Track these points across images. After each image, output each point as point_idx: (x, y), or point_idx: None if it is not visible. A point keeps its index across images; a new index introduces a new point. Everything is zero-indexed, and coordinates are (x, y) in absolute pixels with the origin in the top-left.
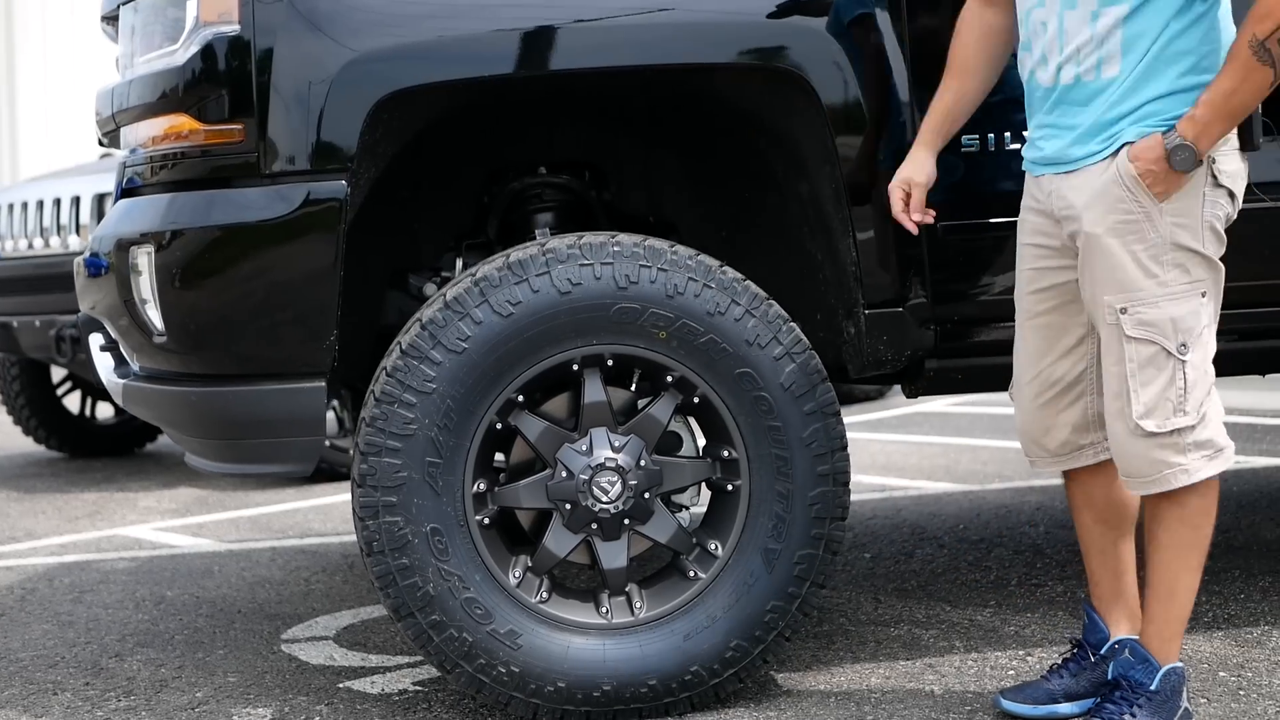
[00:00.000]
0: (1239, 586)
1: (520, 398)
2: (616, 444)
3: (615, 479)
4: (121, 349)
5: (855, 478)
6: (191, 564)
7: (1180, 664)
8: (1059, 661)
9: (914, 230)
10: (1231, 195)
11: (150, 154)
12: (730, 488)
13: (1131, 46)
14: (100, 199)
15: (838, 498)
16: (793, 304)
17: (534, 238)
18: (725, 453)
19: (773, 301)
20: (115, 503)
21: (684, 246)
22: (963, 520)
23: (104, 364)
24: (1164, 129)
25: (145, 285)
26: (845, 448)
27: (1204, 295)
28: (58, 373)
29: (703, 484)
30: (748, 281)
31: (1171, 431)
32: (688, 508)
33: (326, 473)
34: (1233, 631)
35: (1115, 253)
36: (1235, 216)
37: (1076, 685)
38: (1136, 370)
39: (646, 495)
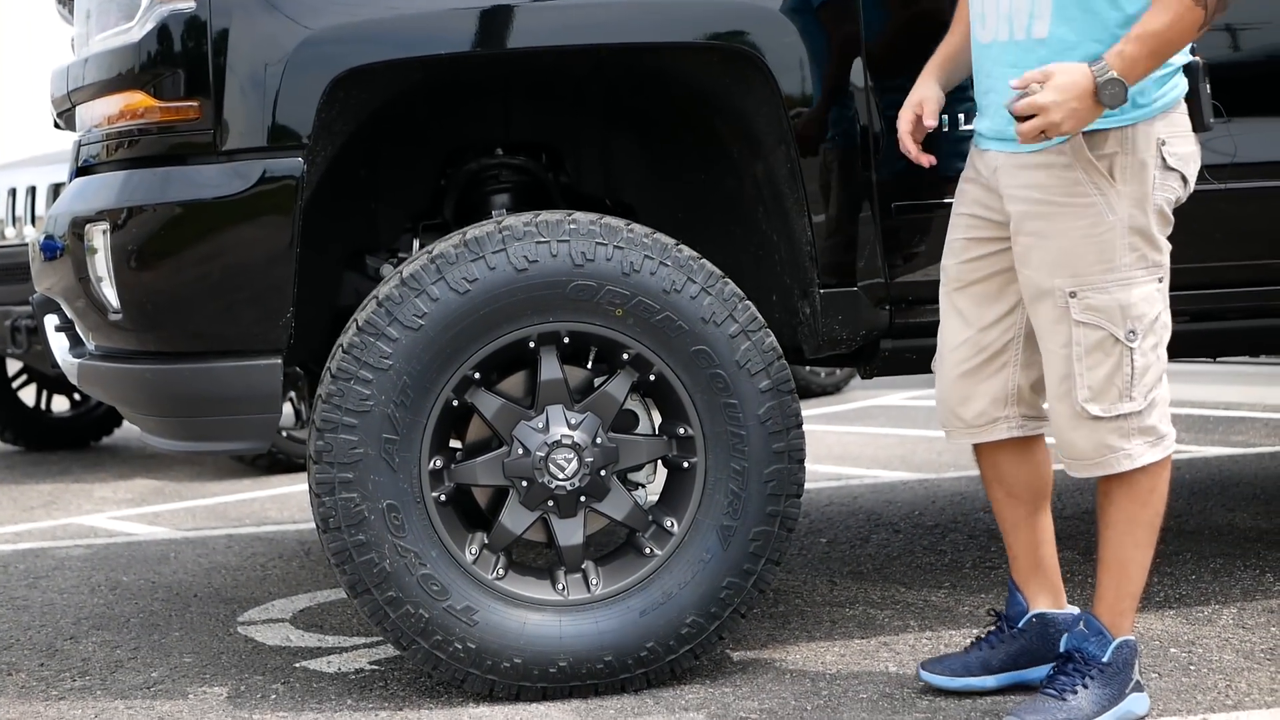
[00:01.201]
0: (1190, 568)
1: (477, 375)
2: (573, 421)
3: (571, 456)
4: (77, 328)
5: (812, 467)
6: (147, 551)
7: (1133, 637)
8: (980, 634)
9: (919, 158)
10: (1184, 179)
11: (106, 132)
12: (686, 465)
13: (1062, 4)
14: (56, 189)
15: (793, 475)
16: (749, 284)
17: (490, 219)
18: (681, 430)
19: (728, 280)
20: (71, 493)
21: (640, 225)
22: (918, 507)
23: (59, 344)
24: (1114, 125)
25: (101, 263)
26: (800, 425)
27: (1160, 280)
28: (13, 365)
29: (659, 461)
30: (704, 260)
31: (1117, 416)
32: (644, 485)
33: (283, 463)
34: (1184, 610)
35: (1067, 236)
36: (1184, 200)
37: (995, 658)
38: (1083, 354)
39: (603, 473)
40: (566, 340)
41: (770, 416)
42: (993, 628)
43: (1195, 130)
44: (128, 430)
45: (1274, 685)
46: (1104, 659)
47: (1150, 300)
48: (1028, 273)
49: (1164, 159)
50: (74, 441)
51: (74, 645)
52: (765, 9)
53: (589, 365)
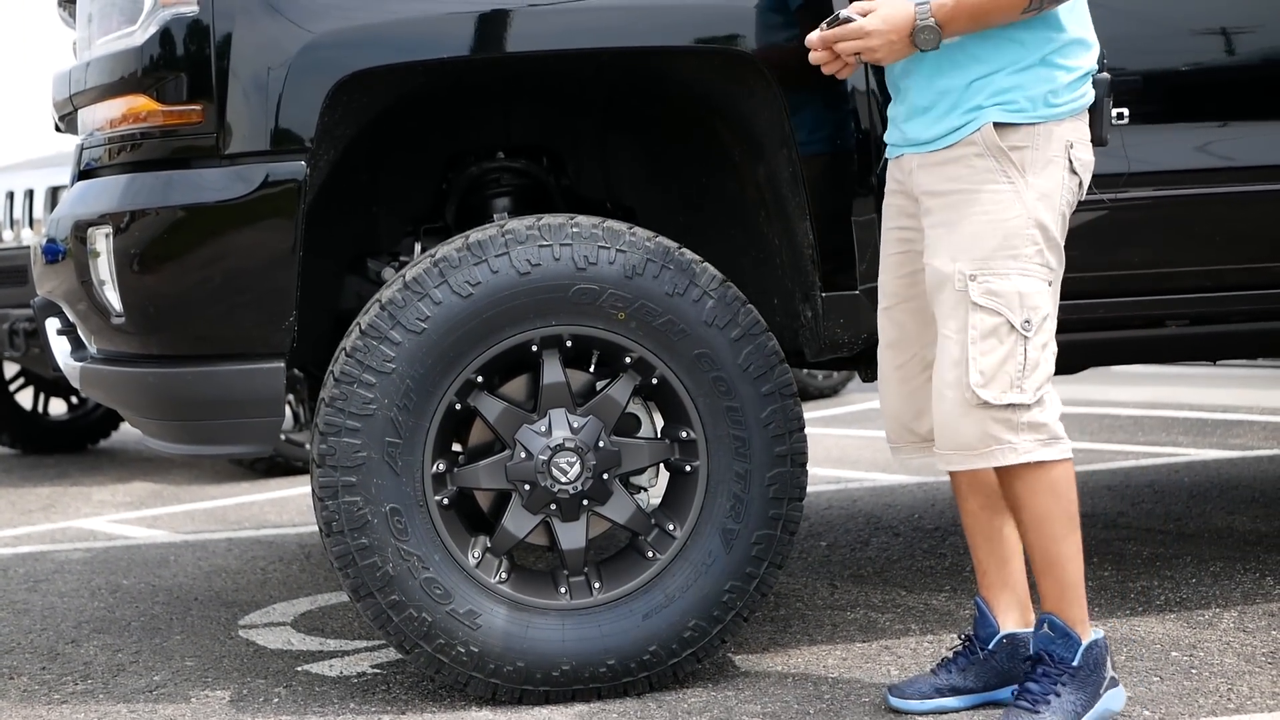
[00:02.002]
0: (1190, 571)
1: (479, 378)
2: (575, 425)
3: (574, 460)
4: (79, 332)
5: (811, 470)
6: (147, 554)
7: (1101, 634)
8: (948, 655)
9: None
10: (1081, 186)
11: (108, 135)
12: (688, 468)
13: None
14: (54, 192)
15: (795, 478)
16: (750, 287)
17: (492, 222)
18: (683, 434)
19: (730, 283)
20: (69, 496)
21: (642, 228)
22: (917, 510)
23: (61, 348)
24: (1024, 120)
25: (104, 266)
26: (803, 429)
27: (1049, 284)
28: (10, 368)
29: (661, 465)
30: (706, 263)
31: (1006, 405)
32: (646, 488)
33: (282, 466)
34: (1185, 614)
35: (974, 220)
36: (1074, 206)
37: (964, 680)
38: (978, 339)
39: (605, 476)
40: (569, 344)
41: (772, 420)
42: (960, 648)
43: (1094, 142)
44: (125, 433)
45: (1275, 689)
46: (1074, 662)
47: (1044, 297)
48: (934, 262)
49: (1070, 162)
50: (72, 444)
51: (75, 649)
52: (766, 12)
53: (591, 369)
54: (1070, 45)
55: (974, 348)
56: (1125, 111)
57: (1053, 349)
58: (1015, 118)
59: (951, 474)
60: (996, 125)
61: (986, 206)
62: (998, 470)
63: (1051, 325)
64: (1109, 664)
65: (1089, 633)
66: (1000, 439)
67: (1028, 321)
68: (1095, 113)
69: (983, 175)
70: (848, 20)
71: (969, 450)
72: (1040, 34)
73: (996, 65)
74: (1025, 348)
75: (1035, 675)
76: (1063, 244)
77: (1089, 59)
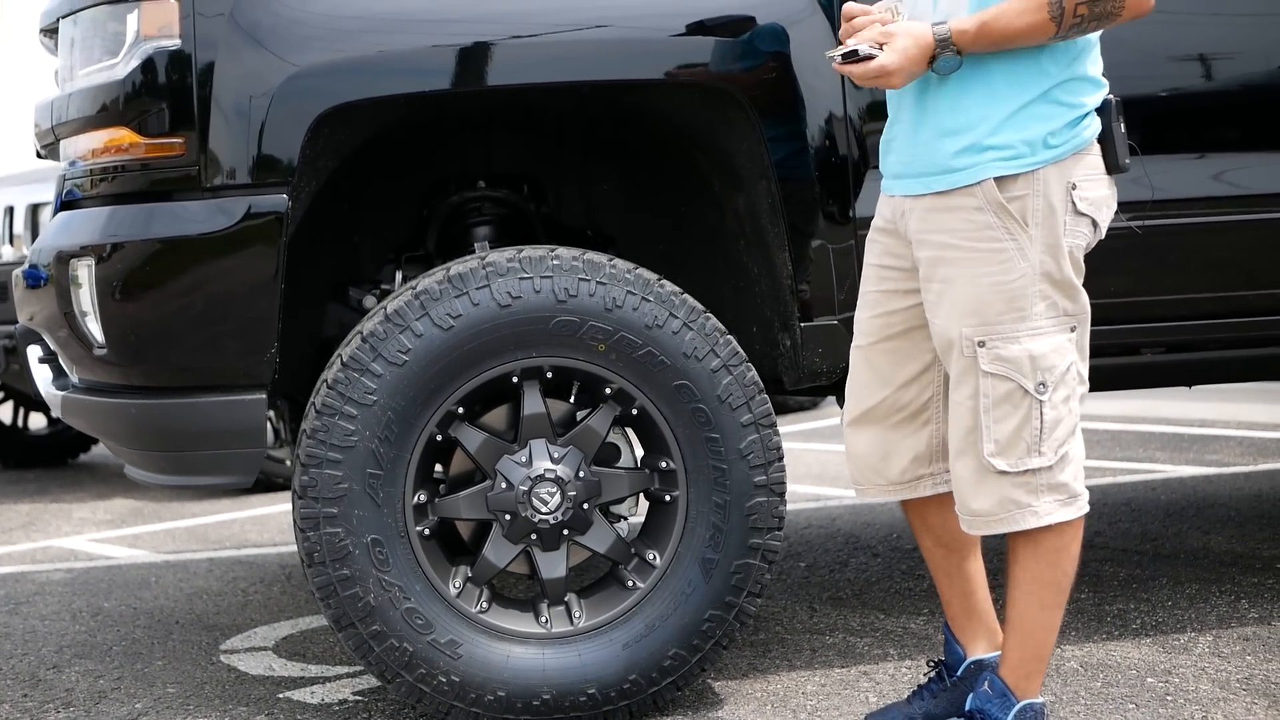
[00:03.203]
0: (1166, 594)
1: (460, 409)
2: (555, 455)
3: (554, 490)
4: (61, 361)
5: (791, 488)
6: (128, 575)
7: (1040, 700)
8: (923, 682)
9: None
10: (1094, 224)
11: (90, 167)
12: (668, 498)
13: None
14: (35, 209)
15: (774, 508)
16: (729, 316)
17: (473, 251)
18: (663, 464)
19: (710, 315)
20: (50, 514)
21: (622, 260)
22: (896, 529)
23: (42, 376)
24: (1024, 169)
25: (85, 298)
26: (782, 459)
27: (1073, 330)
28: None
29: (641, 495)
30: (685, 295)
31: (1024, 471)
32: (626, 518)
33: (263, 484)
34: (1160, 638)
35: (977, 284)
36: (1094, 245)
37: (936, 708)
38: (990, 406)
39: (585, 506)
40: (549, 375)
41: (752, 450)
42: (933, 675)
43: (1109, 172)
44: (106, 448)
45: (1249, 716)
46: None
47: (1061, 352)
48: (938, 322)
49: (1074, 204)
50: (52, 459)
51: (57, 675)
52: (743, 45)
53: (572, 399)
54: (1073, 82)
55: (986, 416)
56: None
57: (1080, 391)
58: (1014, 168)
59: (904, 511)
60: (995, 176)
61: (989, 268)
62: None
63: (1075, 373)
64: None
65: (1031, 695)
66: (1020, 503)
67: (1042, 384)
68: (1106, 142)
69: (983, 232)
70: (868, 57)
71: (988, 517)
72: (1044, 68)
73: (996, 101)
74: (1041, 410)
75: None
76: (1080, 281)
77: (1095, 98)
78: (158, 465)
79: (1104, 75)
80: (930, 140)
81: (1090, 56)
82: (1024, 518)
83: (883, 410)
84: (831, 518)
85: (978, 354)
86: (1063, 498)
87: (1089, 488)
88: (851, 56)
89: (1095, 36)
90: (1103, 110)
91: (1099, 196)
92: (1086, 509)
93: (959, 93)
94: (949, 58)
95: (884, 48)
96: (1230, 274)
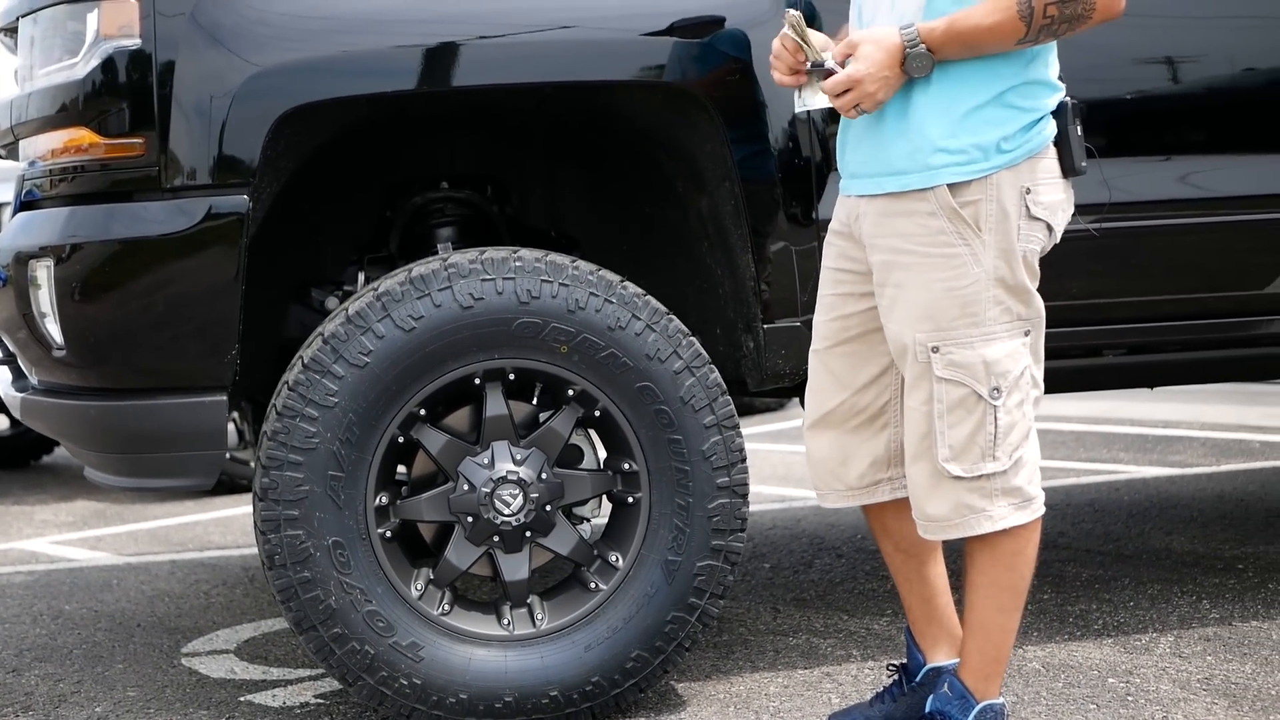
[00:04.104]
0: (1128, 595)
1: (422, 411)
2: (518, 457)
3: (517, 492)
4: (20, 362)
5: (755, 488)
6: (89, 578)
7: (1000, 701)
8: (886, 685)
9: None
10: (1049, 228)
11: (50, 167)
12: (631, 500)
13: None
14: None
15: (737, 510)
16: (693, 318)
17: (436, 252)
18: (626, 465)
19: (673, 316)
20: (11, 516)
21: (585, 262)
22: (860, 530)
23: (1, 377)
24: (977, 175)
25: (45, 299)
26: (744, 460)
27: (1027, 334)
28: None
29: (604, 496)
30: (648, 296)
31: (979, 476)
32: (589, 520)
33: (226, 485)
34: (1121, 639)
35: (930, 289)
36: (1049, 249)
37: (896, 711)
38: (945, 412)
39: (548, 508)
40: (512, 376)
41: (714, 452)
42: (895, 678)
43: (1065, 175)
44: (67, 451)
45: (1209, 716)
46: None
47: (1015, 356)
48: (892, 327)
49: (1028, 208)
50: (13, 461)
51: (16, 678)
52: (708, 47)
53: (534, 401)
54: (1028, 85)
55: (940, 421)
56: None
57: (1034, 395)
58: (967, 174)
59: (865, 516)
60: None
61: (942, 273)
62: None
63: (1030, 378)
64: None
65: (990, 696)
66: (975, 508)
67: (996, 389)
68: (1062, 145)
69: (936, 237)
70: (830, 71)
71: (944, 522)
72: (998, 71)
73: (949, 103)
74: (995, 415)
75: None
76: (1035, 285)
77: (1051, 101)
78: (117, 467)
79: (1061, 78)
80: (884, 141)
81: (1046, 59)
82: (979, 523)
83: (841, 414)
84: (796, 519)
85: (931, 360)
86: (1017, 501)
87: (1053, 488)
88: (817, 70)
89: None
90: (1059, 113)
91: (1054, 201)
92: (1042, 511)
93: (912, 93)
94: (918, 54)
95: (849, 60)
96: (1191, 276)
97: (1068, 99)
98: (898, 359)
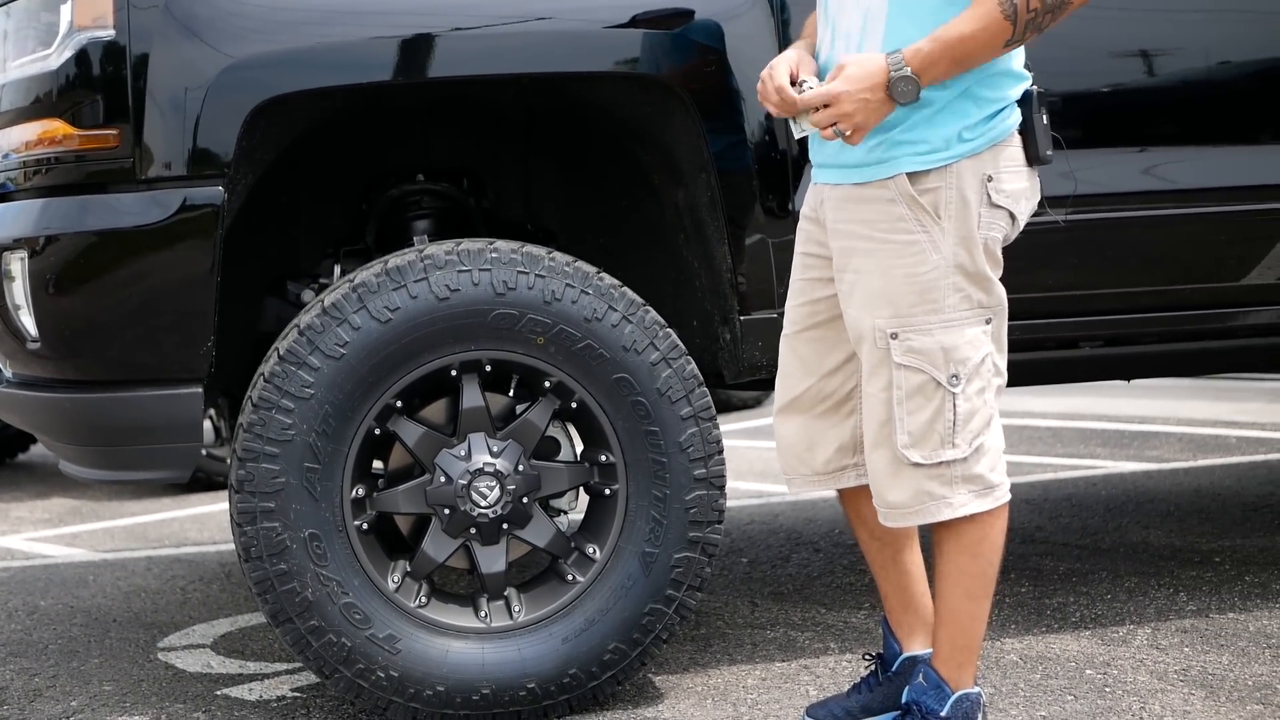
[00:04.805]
0: (1105, 587)
1: (399, 403)
2: (495, 449)
3: (493, 484)
4: None
5: (732, 484)
6: (65, 574)
7: (976, 690)
8: (864, 674)
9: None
10: (1011, 216)
11: (23, 159)
12: (608, 492)
13: (896, 31)
14: None
15: (714, 501)
16: (669, 310)
17: (412, 245)
18: (603, 457)
19: (649, 308)
20: None
21: (561, 253)
22: (838, 525)
23: None
24: (937, 164)
25: (19, 291)
26: (721, 452)
27: (988, 322)
28: None
29: (581, 488)
30: (625, 288)
31: (938, 464)
32: (566, 512)
33: (203, 482)
34: (1099, 631)
35: (890, 275)
36: (1014, 238)
37: (873, 701)
38: (904, 398)
39: (525, 500)
40: (488, 368)
41: (691, 443)
42: (871, 669)
43: (1030, 164)
44: (45, 447)
45: (1187, 707)
46: (942, 713)
47: (975, 344)
48: (851, 313)
49: (989, 196)
50: None
51: None
52: (684, 39)
53: (511, 393)
54: (994, 77)
55: (899, 408)
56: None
57: (995, 383)
58: (926, 163)
59: (842, 505)
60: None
61: (901, 259)
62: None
63: (991, 365)
64: (980, 718)
65: (965, 685)
66: (935, 494)
67: (955, 376)
68: (1027, 133)
69: (895, 224)
70: (810, 87)
71: (903, 509)
72: None
73: (921, 102)
74: (955, 401)
75: None
76: (998, 273)
77: (1014, 91)
78: (93, 460)
79: (1028, 67)
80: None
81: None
82: (939, 509)
83: (808, 399)
84: (774, 514)
85: (890, 346)
86: (978, 489)
87: (1029, 484)
88: (794, 85)
89: None
90: (1023, 102)
91: (1017, 189)
92: (1005, 499)
93: None
94: (902, 77)
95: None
96: (1165, 268)
97: (1033, 88)
98: (856, 345)
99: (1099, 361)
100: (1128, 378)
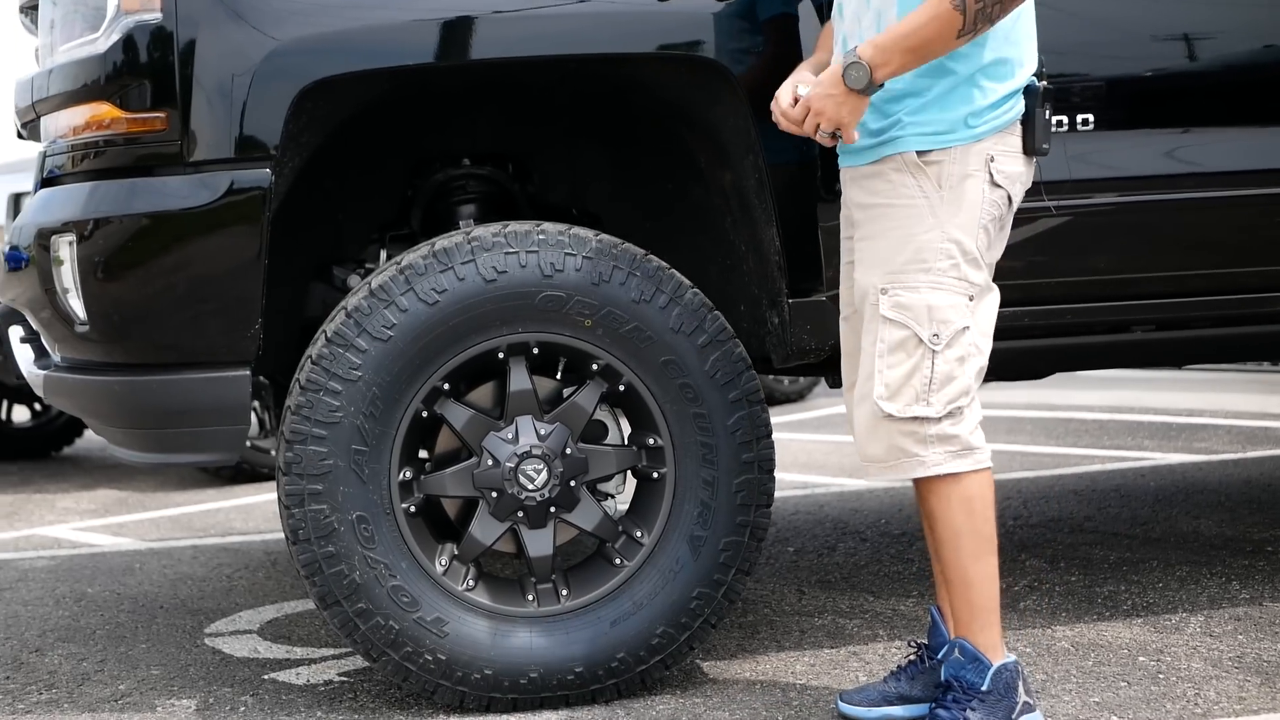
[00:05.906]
0: (1157, 576)
1: (446, 385)
2: (542, 432)
3: (541, 467)
4: (43, 340)
5: (778, 475)
6: (112, 562)
7: (1013, 658)
8: (902, 663)
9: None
10: (1009, 198)
11: (71, 143)
12: (656, 475)
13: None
14: (16, 198)
15: (763, 485)
16: (716, 294)
17: (457, 229)
18: (650, 440)
19: (697, 290)
20: (33, 504)
21: (608, 235)
22: (884, 515)
23: (24, 356)
24: (940, 145)
25: (67, 275)
26: (770, 435)
27: (970, 299)
28: None
29: (628, 472)
30: (672, 270)
31: (912, 419)
32: (613, 495)
33: (248, 473)
34: (1151, 619)
35: (888, 236)
36: (1008, 221)
37: (912, 689)
38: (885, 351)
39: (572, 483)
40: (536, 351)
41: (739, 426)
42: (913, 657)
43: (1027, 152)
44: (90, 440)
45: (1242, 694)
46: (983, 687)
47: (959, 310)
48: (857, 276)
49: (991, 175)
50: (35, 451)
51: (40, 658)
52: (731, 19)
53: (558, 376)
54: (997, 64)
55: (880, 361)
56: (1090, 118)
57: (976, 362)
58: (932, 143)
59: (914, 485)
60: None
61: (901, 220)
62: (915, 484)
63: (971, 340)
64: (1021, 688)
65: (1001, 656)
66: (908, 451)
67: (936, 335)
68: (1028, 124)
69: (899, 190)
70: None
71: (880, 462)
72: (967, 54)
73: (921, 84)
74: (934, 361)
75: (945, 702)
76: (992, 259)
77: (1019, 78)
78: (141, 443)
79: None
80: (863, 120)
81: (1014, 38)
82: (912, 467)
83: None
84: (819, 504)
85: (880, 300)
86: (955, 449)
87: (1078, 475)
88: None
89: (1025, 16)
90: (1029, 94)
91: (1014, 171)
92: (986, 464)
93: (890, 81)
94: (851, 64)
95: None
96: (1217, 251)
97: (1042, 83)
98: (859, 306)
99: (1149, 346)
100: (1178, 364)
